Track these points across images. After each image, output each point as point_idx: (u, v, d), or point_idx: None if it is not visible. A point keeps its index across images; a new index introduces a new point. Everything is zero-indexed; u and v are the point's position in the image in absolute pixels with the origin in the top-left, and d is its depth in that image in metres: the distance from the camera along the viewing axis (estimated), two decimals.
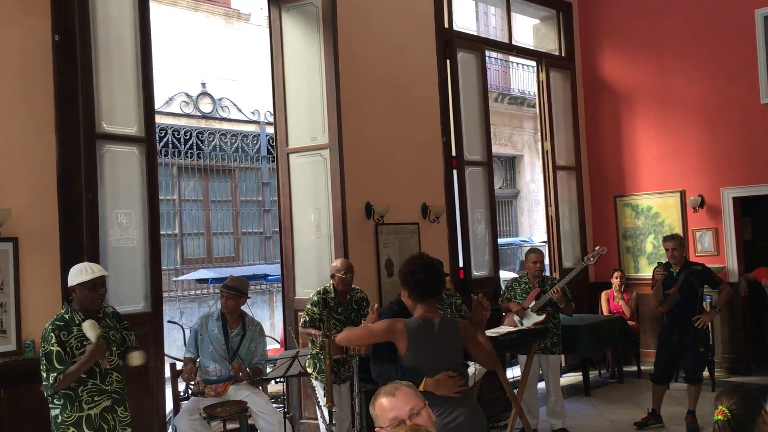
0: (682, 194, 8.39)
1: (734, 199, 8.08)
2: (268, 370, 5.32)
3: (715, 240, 8.17)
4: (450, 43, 7.40)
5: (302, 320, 5.39)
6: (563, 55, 9.09)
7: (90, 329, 3.74)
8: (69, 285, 3.87)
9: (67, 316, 3.82)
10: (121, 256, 4.81)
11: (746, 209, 8.42)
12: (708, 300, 7.10)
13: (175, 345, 9.12)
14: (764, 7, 7.73)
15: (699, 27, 8.21)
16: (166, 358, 5.35)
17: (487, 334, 5.66)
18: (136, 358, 3.95)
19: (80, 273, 3.83)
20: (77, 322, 3.80)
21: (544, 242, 10.18)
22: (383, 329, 3.38)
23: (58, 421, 3.77)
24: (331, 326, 4.89)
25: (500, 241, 15.41)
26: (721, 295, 6.38)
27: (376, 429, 2.33)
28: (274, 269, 9.92)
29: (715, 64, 8.11)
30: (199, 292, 11.94)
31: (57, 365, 3.68)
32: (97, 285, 3.84)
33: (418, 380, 3.20)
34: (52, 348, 3.70)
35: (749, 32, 7.82)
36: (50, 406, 3.82)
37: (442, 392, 3.26)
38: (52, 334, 3.74)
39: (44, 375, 3.72)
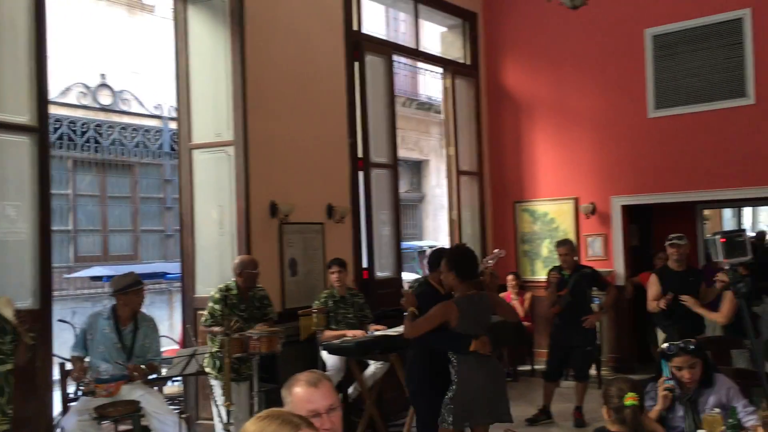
0: (576, 201, 8.81)
1: (622, 207, 8.56)
2: (164, 370, 5.19)
3: (604, 245, 8.62)
4: (358, 45, 7.47)
5: (204, 318, 5.31)
6: (468, 63, 9.35)
7: None
8: None
9: None
10: (8, 249, 4.58)
11: (633, 216, 8.94)
12: (596, 302, 7.49)
13: (65, 345, 8.62)
14: (653, 27, 8.25)
15: (594, 43, 8.67)
16: (54, 358, 5.12)
17: (388, 333, 5.78)
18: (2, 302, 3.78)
19: None
20: None
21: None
22: (441, 313, 4.28)
23: None
24: (232, 324, 4.84)
25: (404, 244, 15.67)
26: (608, 296, 6.76)
27: None
28: (173, 268, 9.67)
29: (607, 78, 8.58)
30: (93, 291, 11.45)
31: None
32: None
33: (468, 342, 4.22)
34: None
35: (639, 50, 8.32)
36: None
37: (483, 351, 4.26)
38: None
39: None
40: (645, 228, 9.52)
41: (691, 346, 3.60)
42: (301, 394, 2.23)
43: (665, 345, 3.70)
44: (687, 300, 5.69)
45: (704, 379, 3.61)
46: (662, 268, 6.30)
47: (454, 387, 4.29)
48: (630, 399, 3.04)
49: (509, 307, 4.70)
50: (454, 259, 4.39)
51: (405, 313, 4.52)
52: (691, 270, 6.18)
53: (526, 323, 8.41)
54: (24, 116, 4.74)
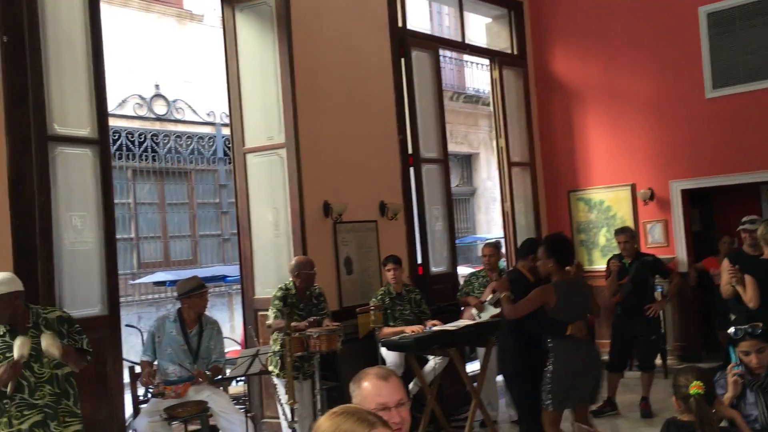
0: (633, 187, 8.61)
1: (682, 191, 8.33)
2: (228, 370, 5.30)
3: (664, 231, 8.41)
4: (404, 42, 7.46)
5: (273, 316, 5.36)
6: (515, 53, 9.24)
7: (18, 347, 3.61)
8: None
9: None
10: (76, 259, 4.75)
11: (694, 201, 8.69)
12: (659, 290, 7.31)
13: (133, 350, 8.98)
14: (707, 4, 8.00)
15: (645, 24, 8.45)
16: (124, 362, 5.29)
17: (446, 328, 5.78)
18: (46, 343, 3.69)
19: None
20: (1, 333, 3.74)
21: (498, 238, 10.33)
22: (541, 296, 4.53)
23: None
24: (291, 324, 4.91)
25: (466, 238, 15.58)
26: (672, 284, 6.59)
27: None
28: (232, 270, 9.87)
29: (661, 60, 8.35)
30: (156, 296, 11.79)
31: None
32: (7, 300, 3.69)
33: (562, 327, 4.46)
34: None
35: (693, 29, 8.08)
36: None
37: (580, 335, 4.52)
38: None
39: None
40: (706, 212, 9.25)
41: (759, 330, 3.50)
42: (371, 387, 2.23)
43: (731, 330, 3.61)
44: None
45: None
46: (737, 253, 5.88)
47: (550, 369, 4.52)
48: (695, 387, 2.99)
49: (597, 301, 4.96)
50: (554, 246, 4.64)
51: (498, 297, 5.01)
52: None
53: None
54: (85, 129, 4.91)
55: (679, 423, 3.10)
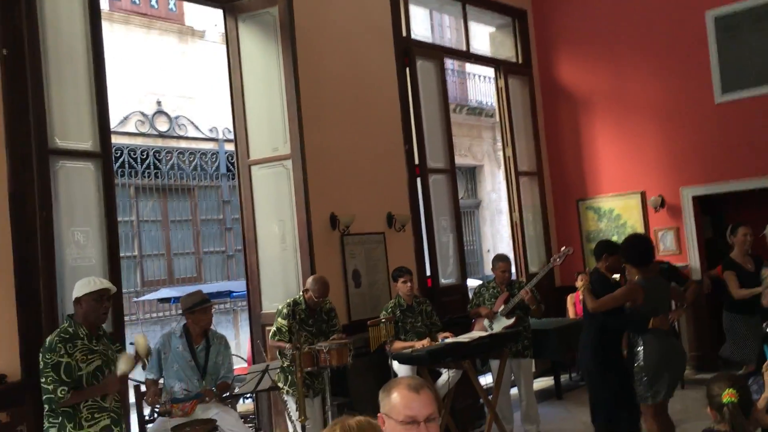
0: (643, 195, 8.49)
1: (693, 198, 8.21)
2: (237, 387, 5.16)
3: (676, 239, 8.28)
4: (409, 51, 7.39)
5: (271, 333, 5.27)
6: (520, 61, 9.16)
7: (123, 362, 3.85)
8: (74, 297, 3.89)
9: (71, 330, 3.85)
10: (79, 275, 4.60)
11: (705, 207, 8.56)
12: None
13: (138, 368, 8.84)
14: (714, 8, 7.92)
15: (652, 29, 8.37)
16: (129, 381, 5.15)
17: (459, 340, 5.64)
18: (124, 363, 3.91)
19: (87, 284, 3.89)
20: (81, 335, 3.85)
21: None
22: (628, 293, 4.81)
23: None
24: (302, 338, 4.78)
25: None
26: (688, 292, 6.41)
27: (380, 414, 2.19)
28: (238, 286, 9.75)
29: (669, 65, 8.26)
30: (161, 313, 11.65)
31: (65, 377, 3.70)
32: (103, 297, 3.89)
33: (645, 322, 4.73)
34: (60, 359, 3.71)
35: (701, 33, 8.00)
36: (47, 423, 3.79)
37: (664, 327, 4.79)
38: (60, 345, 3.74)
39: (49, 388, 3.70)
40: (718, 218, 9.10)
41: None
42: (400, 398, 2.15)
43: (765, 325, 3.46)
44: None
45: None
46: None
47: (641, 363, 4.72)
48: (728, 396, 2.86)
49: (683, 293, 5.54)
50: (640, 248, 4.92)
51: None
52: None
53: None
54: (87, 143, 4.81)
55: None
